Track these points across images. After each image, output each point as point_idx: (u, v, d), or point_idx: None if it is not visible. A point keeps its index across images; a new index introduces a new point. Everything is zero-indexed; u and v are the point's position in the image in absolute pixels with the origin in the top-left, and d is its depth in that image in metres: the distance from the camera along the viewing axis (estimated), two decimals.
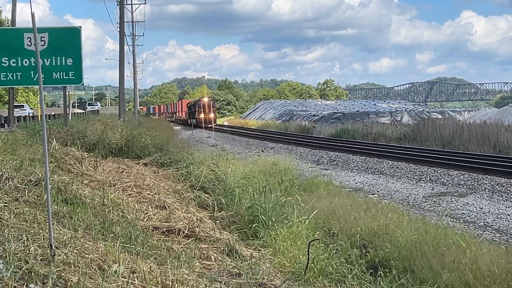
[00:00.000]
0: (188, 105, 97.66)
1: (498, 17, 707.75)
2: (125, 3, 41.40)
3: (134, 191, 10.06)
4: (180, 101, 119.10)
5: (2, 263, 4.33)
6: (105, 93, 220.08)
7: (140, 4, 79.57)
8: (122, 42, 38.51)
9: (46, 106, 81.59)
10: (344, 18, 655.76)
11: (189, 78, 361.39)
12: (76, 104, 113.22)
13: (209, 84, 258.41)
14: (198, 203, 10.58)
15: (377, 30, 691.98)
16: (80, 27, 20.04)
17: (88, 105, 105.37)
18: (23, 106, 58.02)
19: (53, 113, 46.04)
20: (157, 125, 38.58)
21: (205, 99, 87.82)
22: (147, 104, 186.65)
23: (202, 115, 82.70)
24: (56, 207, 6.73)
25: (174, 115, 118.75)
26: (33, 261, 4.57)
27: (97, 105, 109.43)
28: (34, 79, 18.81)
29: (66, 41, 19.10)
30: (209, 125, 79.26)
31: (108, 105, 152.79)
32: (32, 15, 3.88)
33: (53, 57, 18.82)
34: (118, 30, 39.82)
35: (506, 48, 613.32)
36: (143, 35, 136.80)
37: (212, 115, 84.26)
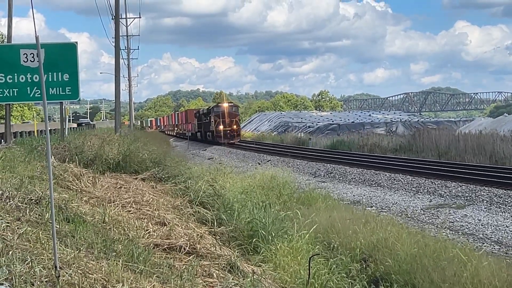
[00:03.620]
0: (198, 114, 77.93)
1: (492, 27, 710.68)
2: (120, 17, 41.42)
3: (133, 207, 10.03)
4: (184, 112, 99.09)
5: (9, 285, 4.32)
6: (100, 106, 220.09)
7: (135, 18, 79.62)
8: (117, 56, 38.56)
9: (41, 121, 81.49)
10: (339, 29, 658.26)
11: (184, 91, 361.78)
12: (71, 118, 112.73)
13: (204, 97, 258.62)
14: (197, 219, 10.56)
15: (372, 41, 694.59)
16: (76, 42, 20.04)
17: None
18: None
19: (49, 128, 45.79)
20: (154, 138, 38.52)
21: (225, 105, 66.04)
22: (142, 118, 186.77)
23: (221, 127, 62.74)
24: (57, 226, 6.71)
25: (176, 128, 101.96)
26: (39, 282, 4.57)
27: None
28: (31, 95, 18.78)
29: (62, 57, 19.08)
30: (231, 141, 61.77)
31: (104, 119, 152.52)
32: (37, 38, 3.91)
33: (50, 73, 18.80)
34: (113, 44, 39.91)
35: (500, 58, 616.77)
36: (138, 49, 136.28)
37: (235, 126, 64.21)
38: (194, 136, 78.08)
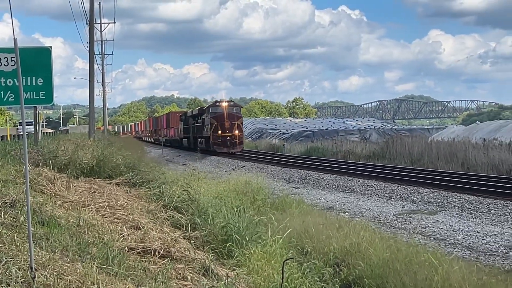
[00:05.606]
0: (184, 117, 66.55)
1: (466, 35, 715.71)
2: (94, 22, 41.28)
3: (107, 211, 10.04)
4: (165, 115, 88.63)
5: None
6: (73, 112, 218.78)
7: (110, 23, 79.24)
8: (92, 62, 38.45)
9: (13, 126, 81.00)
10: (314, 37, 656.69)
11: (158, 97, 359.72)
12: (44, 124, 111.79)
13: (179, 103, 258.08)
14: (172, 223, 10.59)
15: (346, 49, 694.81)
16: (51, 47, 19.95)
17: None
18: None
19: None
20: (128, 144, 38.41)
21: (224, 104, 53.36)
22: (116, 123, 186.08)
23: (219, 132, 51.36)
24: (32, 228, 6.72)
25: (155, 134, 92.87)
26: (14, 283, 4.60)
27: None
28: (4, 99, 18.63)
29: (36, 61, 18.96)
30: (232, 149, 51.41)
31: (77, 125, 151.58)
32: (15, 40, 3.95)
33: (23, 77, 18.68)
34: (88, 49, 39.79)
35: (472, 66, 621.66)
36: (112, 54, 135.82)
37: (237, 131, 52.19)
38: (177, 143, 69.68)
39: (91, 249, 6.67)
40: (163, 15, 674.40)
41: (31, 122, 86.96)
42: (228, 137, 51.41)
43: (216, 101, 56.04)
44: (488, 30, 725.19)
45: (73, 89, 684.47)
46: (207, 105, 58.93)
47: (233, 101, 58.63)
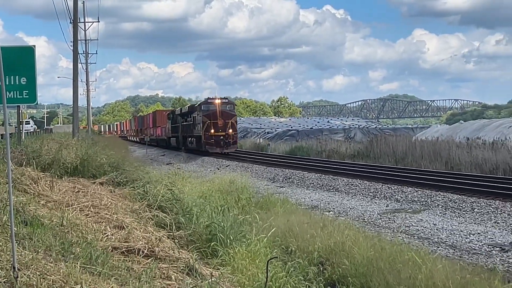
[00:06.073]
0: (173, 115, 63.86)
1: (450, 35, 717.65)
2: (78, 21, 41.07)
3: (91, 211, 10.00)
4: (152, 113, 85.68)
5: None
6: (57, 111, 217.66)
7: (94, 22, 78.82)
8: (75, 61, 38.25)
9: None
10: (299, 36, 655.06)
11: (143, 96, 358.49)
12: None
13: (163, 102, 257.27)
14: (156, 223, 10.57)
15: (331, 48, 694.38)
16: (34, 46, 19.86)
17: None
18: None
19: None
20: (112, 143, 38.28)
21: (217, 101, 50.34)
22: (100, 122, 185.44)
23: (212, 131, 48.45)
24: (15, 228, 6.69)
25: (140, 133, 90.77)
26: None
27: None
28: None
29: (19, 60, 18.88)
30: (226, 150, 48.77)
31: (61, 124, 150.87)
32: None
33: (6, 76, 18.56)
34: (72, 48, 39.60)
35: (456, 66, 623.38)
36: (96, 53, 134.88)
37: (231, 130, 49.24)
38: (165, 142, 67.51)
39: (74, 249, 6.64)
40: (147, 14, 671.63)
41: (28, 121, 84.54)
42: (222, 137, 48.52)
43: (209, 98, 51.90)
44: (472, 30, 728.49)
45: (57, 88, 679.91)
46: (198, 102, 54.77)
47: (226, 98, 54.07)
